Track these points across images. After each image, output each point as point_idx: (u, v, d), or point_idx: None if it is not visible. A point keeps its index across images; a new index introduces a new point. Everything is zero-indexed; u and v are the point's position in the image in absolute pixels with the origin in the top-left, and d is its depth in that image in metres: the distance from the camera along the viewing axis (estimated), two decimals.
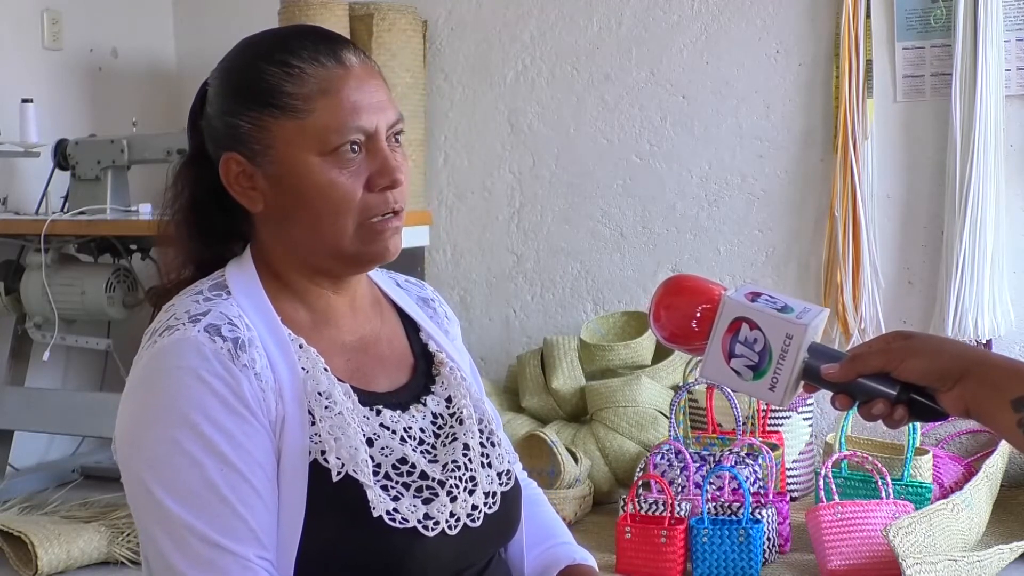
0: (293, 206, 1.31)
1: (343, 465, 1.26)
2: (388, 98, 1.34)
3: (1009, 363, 1.15)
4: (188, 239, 1.39)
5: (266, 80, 1.30)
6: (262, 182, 1.32)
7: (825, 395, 1.22)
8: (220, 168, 1.33)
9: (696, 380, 3.43)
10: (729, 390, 3.13)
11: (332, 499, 1.26)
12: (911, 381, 1.16)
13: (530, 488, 1.57)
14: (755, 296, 1.22)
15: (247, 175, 1.32)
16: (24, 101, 3.83)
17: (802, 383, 1.22)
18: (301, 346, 1.32)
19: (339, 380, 1.33)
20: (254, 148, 1.31)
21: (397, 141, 1.35)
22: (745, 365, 1.20)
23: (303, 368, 1.30)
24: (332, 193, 1.30)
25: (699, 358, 1.25)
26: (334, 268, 1.36)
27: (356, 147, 1.30)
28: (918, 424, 3.11)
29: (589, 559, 1.51)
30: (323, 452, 1.27)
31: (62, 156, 3.93)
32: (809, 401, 3.58)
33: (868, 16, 3.67)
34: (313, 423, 1.28)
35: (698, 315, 1.23)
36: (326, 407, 1.29)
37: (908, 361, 1.16)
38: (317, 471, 1.26)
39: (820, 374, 1.19)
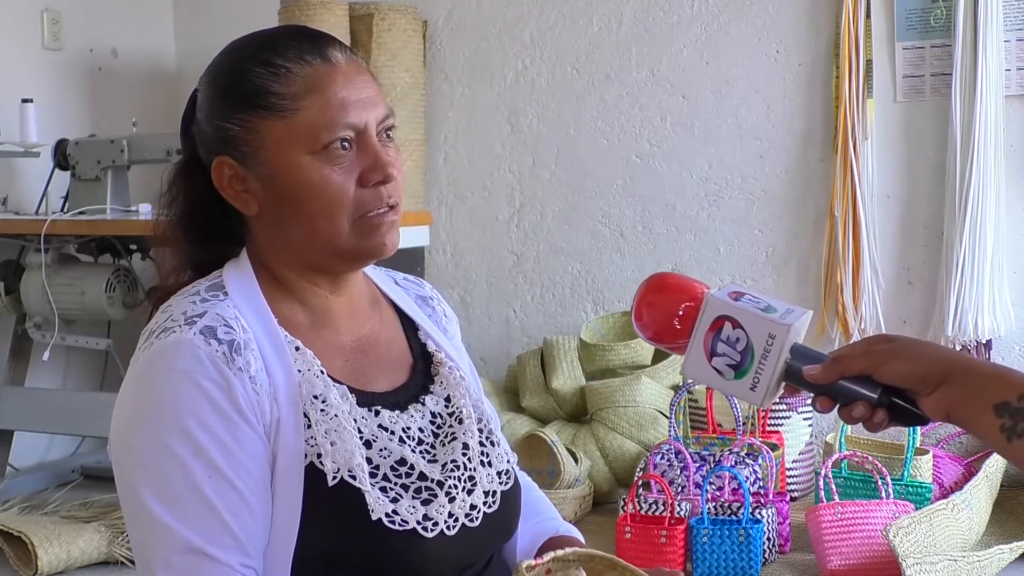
0: (287, 206, 1.31)
1: (339, 469, 1.26)
2: (377, 93, 1.34)
3: (991, 368, 1.14)
4: (186, 243, 1.38)
5: (252, 81, 1.30)
6: (255, 184, 1.32)
7: None
8: (212, 172, 1.33)
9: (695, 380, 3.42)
10: None
11: (329, 502, 1.26)
12: (892, 384, 1.16)
13: (521, 477, 1.56)
14: (738, 295, 1.21)
15: (239, 178, 1.32)
16: (24, 101, 3.83)
17: (783, 384, 1.21)
18: (297, 348, 1.31)
19: (336, 382, 1.32)
20: (244, 150, 1.31)
21: (389, 136, 1.34)
22: (727, 364, 1.20)
23: (299, 371, 1.30)
24: (325, 190, 1.29)
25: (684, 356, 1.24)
26: (331, 265, 1.35)
27: (346, 144, 1.30)
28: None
29: (573, 531, 1.52)
30: (319, 455, 1.26)
31: (62, 156, 3.92)
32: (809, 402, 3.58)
33: (868, 16, 3.67)
34: (309, 426, 1.27)
35: (680, 313, 1.22)
36: (321, 410, 1.28)
37: (890, 363, 1.15)
38: (313, 474, 1.26)
39: (802, 375, 1.19)
